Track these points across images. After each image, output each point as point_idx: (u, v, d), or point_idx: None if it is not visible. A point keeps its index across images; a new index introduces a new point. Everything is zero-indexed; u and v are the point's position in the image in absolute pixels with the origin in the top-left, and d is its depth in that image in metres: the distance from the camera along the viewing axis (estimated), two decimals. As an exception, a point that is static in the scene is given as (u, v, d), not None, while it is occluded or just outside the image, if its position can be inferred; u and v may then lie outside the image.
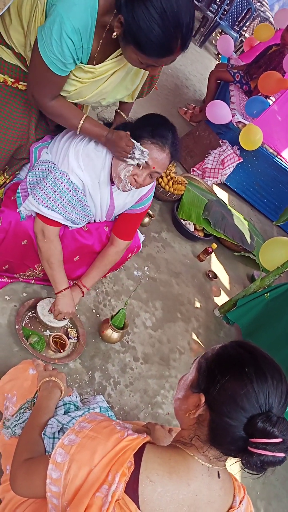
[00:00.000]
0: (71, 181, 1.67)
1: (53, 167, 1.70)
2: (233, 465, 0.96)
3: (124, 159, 1.61)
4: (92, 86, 1.56)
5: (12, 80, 1.57)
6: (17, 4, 1.42)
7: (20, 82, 1.60)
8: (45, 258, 1.81)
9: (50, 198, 1.67)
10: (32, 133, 1.78)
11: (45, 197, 1.67)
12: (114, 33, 1.33)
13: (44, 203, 1.67)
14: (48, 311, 1.99)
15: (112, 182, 1.78)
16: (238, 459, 0.87)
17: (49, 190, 1.66)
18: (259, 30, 5.47)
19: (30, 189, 1.77)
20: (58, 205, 1.68)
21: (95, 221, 1.96)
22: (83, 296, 2.06)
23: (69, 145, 1.68)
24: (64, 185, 1.67)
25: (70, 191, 1.68)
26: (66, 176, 1.66)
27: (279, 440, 0.80)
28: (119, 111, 1.94)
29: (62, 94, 1.55)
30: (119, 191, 1.78)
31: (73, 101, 1.63)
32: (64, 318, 1.98)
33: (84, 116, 1.59)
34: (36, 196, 1.68)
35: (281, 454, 0.80)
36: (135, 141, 1.58)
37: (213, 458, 0.91)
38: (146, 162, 1.62)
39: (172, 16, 1.24)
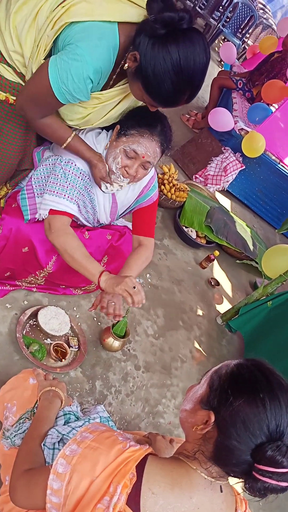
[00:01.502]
0: (78, 167, 1.67)
1: (57, 158, 1.70)
2: (235, 479, 0.95)
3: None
4: (100, 113, 1.56)
5: (14, 98, 1.55)
6: (18, 29, 1.40)
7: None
8: (62, 252, 1.64)
9: (66, 188, 1.65)
10: (33, 144, 1.79)
11: (62, 188, 1.64)
12: (126, 65, 1.34)
13: (64, 195, 1.64)
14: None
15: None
16: (241, 481, 0.86)
17: (63, 181, 1.65)
18: (264, 43, 5.47)
19: (35, 189, 1.77)
20: (75, 193, 1.67)
21: (99, 221, 1.96)
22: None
23: None
24: (73, 173, 1.66)
25: (78, 177, 1.68)
26: (72, 163, 1.66)
27: (286, 470, 0.78)
28: None
29: (69, 123, 1.56)
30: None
31: (80, 128, 1.64)
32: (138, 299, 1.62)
33: (73, 134, 1.59)
34: (53, 191, 1.65)
35: (285, 484, 0.79)
36: None
37: (216, 474, 0.90)
38: (135, 151, 1.60)
39: (187, 75, 1.27)
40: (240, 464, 0.83)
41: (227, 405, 0.85)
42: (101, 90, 1.47)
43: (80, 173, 1.68)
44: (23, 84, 1.53)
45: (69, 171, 1.66)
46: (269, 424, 0.81)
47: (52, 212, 1.66)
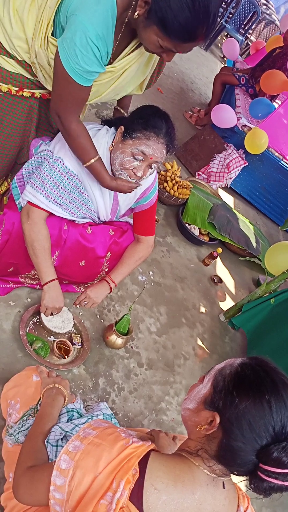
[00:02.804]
0: (66, 166, 1.67)
1: (48, 154, 1.70)
2: (248, 489, 0.95)
3: None
4: (108, 83, 1.57)
5: (16, 88, 1.57)
6: (19, 11, 1.42)
7: (25, 90, 1.60)
8: (29, 243, 1.72)
9: (46, 184, 1.66)
10: (32, 135, 1.80)
11: (41, 184, 1.67)
12: (136, 13, 1.30)
13: (42, 191, 1.67)
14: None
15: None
16: (245, 479, 0.86)
17: (44, 177, 1.66)
18: (271, 42, 5.42)
19: (26, 178, 1.78)
20: (54, 191, 1.68)
21: (99, 218, 1.96)
22: (110, 292, 2.04)
23: None
24: (59, 171, 1.66)
25: (65, 176, 1.68)
26: (60, 161, 1.66)
27: None
28: (118, 107, 1.94)
29: None
30: None
31: (89, 102, 1.63)
32: (52, 314, 1.90)
33: (98, 156, 1.63)
34: (34, 184, 1.68)
35: None
36: None
37: (219, 472, 0.90)
38: (143, 153, 1.61)
39: (203, 3, 1.23)
40: (245, 464, 0.84)
41: (233, 407, 0.85)
42: (112, 61, 1.49)
43: (67, 172, 1.68)
44: (24, 74, 1.55)
45: (55, 168, 1.66)
46: (275, 425, 0.82)
47: (30, 203, 1.70)
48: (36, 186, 1.67)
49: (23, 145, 1.81)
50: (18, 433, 1.32)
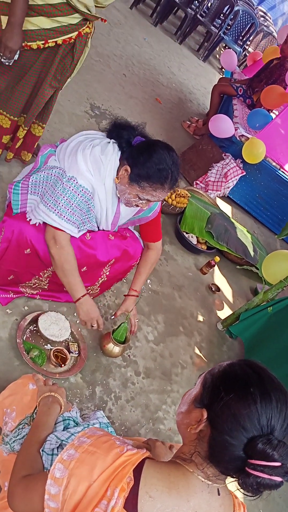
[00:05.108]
0: (80, 185, 1.72)
1: (60, 173, 1.75)
2: (233, 483, 0.95)
3: None
4: None
5: (42, 42, 1.89)
6: None
7: (49, 41, 1.91)
8: (59, 266, 1.79)
9: (59, 203, 1.71)
10: (49, 77, 2.07)
11: (55, 203, 1.72)
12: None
13: (55, 210, 1.72)
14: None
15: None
16: (235, 479, 0.86)
17: (58, 196, 1.72)
18: (268, 53, 5.49)
19: (31, 187, 1.81)
20: (68, 209, 1.72)
21: (98, 229, 1.97)
22: (137, 297, 2.16)
23: (77, 150, 1.74)
24: (72, 189, 1.72)
25: (78, 194, 1.73)
26: (73, 180, 1.72)
27: (278, 464, 0.78)
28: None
29: None
30: None
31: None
32: (92, 326, 1.96)
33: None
34: (47, 204, 1.73)
35: (278, 479, 0.79)
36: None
37: (212, 475, 0.89)
38: (148, 200, 1.74)
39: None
40: (234, 460, 0.83)
41: (219, 401, 0.86)
42: None
43: (81, 190, 1.73)
44: (46, 27, 1.87)
45: (69, 187, 1.71)
46: (260, 418, 0.82)
47: (53, 227, 1.75)
48: (49, 205, 1.72)
49: (38, 86, 2.10)
50: (13, 441, 1.31)
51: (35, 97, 2.16)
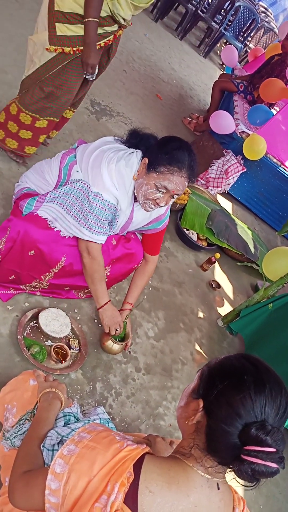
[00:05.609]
0: (105, 200, 1.76)
1: (85, 188, 1.79)
2: (233, 480, 0.95)
3: None
4: None
5: (75, 48, 2.13)
6: None
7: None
8: (89, 275, 1.89)
9: (89, 219, 1.78)
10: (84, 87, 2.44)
11: (84, 219, 1.78)
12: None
13: (85, 225, 1.78)
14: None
15: (135, 198, 1.85)
16: (233, 469, 0.87)
17: (86, 212, 1.77)
18: (270, 50, 5.45)
19: (49, 197, 1.84)
20: (97, 224, 1.78)
21: None
22: (131, 311, 2.19)
23: (100, 163, 1.76)
24: (99, 206, 1.77)
25: (105, 210, 1.78)
26: (99, 197, 1.76)
27: (272, 449, 0.79)
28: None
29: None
30: (140, 207, 1.86)
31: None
32: (116, 330, 2.04)
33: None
34: (77, 218, 1.80)
35: (273, 465, 0.79)
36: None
37: (210, 468, 0.90)
38: (166, 188, 1.71)
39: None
40: (230, 448, 0.84)
41: (213, 389, 0.88)
42: None
43: (107, 205, 1.78)
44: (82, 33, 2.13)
45: (96, 204, 1.76)
46: (253, 404, 0.83)
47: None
48: (80, 221, 1.79)
49: (76, 92, 2.40)
50: (14, 437, 1.31)
51: (78, 92, 2.47)
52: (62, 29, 2.10)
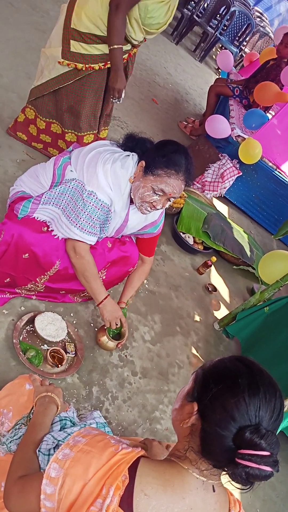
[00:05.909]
0: (99, 199, 1.76)
1: (80, 187, 1.78)
2: (229, 482, 0.95)
3: None
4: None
5: (103, 64, 2.27)
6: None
7: (108, 62, 2.27)
8: (80, 274, 1.88)
9: (81, 218, 1.77)
10: (99, 106, 2.54)
11: (76, 218, 1.77)
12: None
13: (77, 224, 1.77)
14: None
15: (131, 201, 1.86)
16: (227, 472, 0.86)
17: (79, 211, 1.77)
18: (265, 54, 5.48)
19: (44, 198, 1.84)
20: (89, 223, 1.78)
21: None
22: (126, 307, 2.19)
23: (96, 163, 1.76)
24: (93, 204, 1.76)
25: (98, 209, 1.77)
26: (93, 195, 1.75)
27: (266, 453, 0.79)
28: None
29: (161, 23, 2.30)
30: (135, 210, 1.87)
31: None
32: (116, 325, 2.04)
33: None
34: (69, 218, 1.79)
35: (267, 468, 0.79)
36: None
37: (205, 470, 0.90)
38: (163, 191, 1.71)
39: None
40: (224, 452, 0.84)
41: (208, 391, 0.87)
42: None
43: (101, 204, 1.78)
44: (95, 53, 2.23)
45: (89, 203, 1.76)
46: (248, 408, 0.82)
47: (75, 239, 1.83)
48: (71, 220, 1.78)
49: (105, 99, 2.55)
50: (10, 442, 1.31)
51: (101, 109, 2.61)
52: (77, 47, 2.19)
